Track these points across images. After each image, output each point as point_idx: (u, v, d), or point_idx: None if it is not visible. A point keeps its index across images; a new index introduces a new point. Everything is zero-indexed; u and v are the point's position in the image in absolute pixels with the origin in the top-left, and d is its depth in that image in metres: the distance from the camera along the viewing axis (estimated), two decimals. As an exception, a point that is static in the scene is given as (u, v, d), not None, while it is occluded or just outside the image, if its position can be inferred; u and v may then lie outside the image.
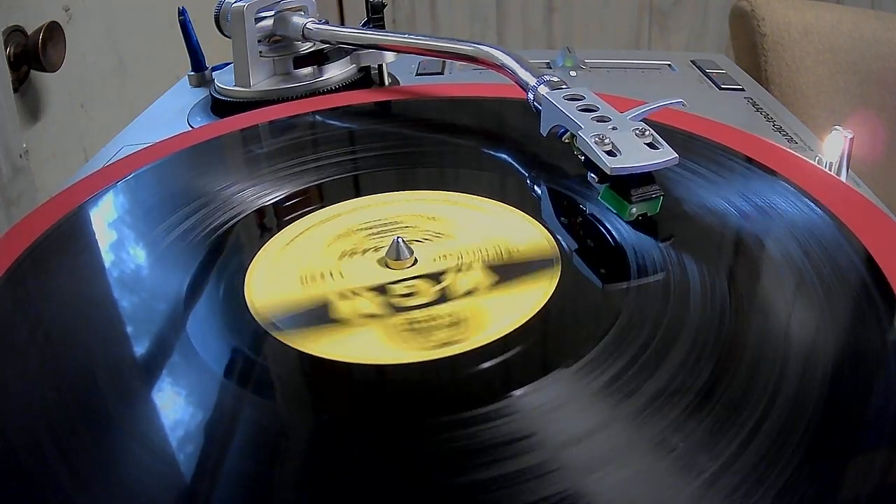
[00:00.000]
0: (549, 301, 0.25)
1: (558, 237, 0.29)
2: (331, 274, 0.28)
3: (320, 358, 0.24)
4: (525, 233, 0.29)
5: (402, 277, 0.27)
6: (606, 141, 0.29)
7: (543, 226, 0.30)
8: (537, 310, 0.25)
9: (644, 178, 0.29)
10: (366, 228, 0.30)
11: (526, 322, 0.24)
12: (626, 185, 0.29)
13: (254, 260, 0.29)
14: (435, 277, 0.27)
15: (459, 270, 0.27)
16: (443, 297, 0.26)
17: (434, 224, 0.30)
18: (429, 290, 0.26)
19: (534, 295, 0.26)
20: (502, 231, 0.30)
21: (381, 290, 0.27)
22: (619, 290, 0.26)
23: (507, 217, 0.31)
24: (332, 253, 0.29)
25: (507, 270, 0.27)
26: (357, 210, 0.32)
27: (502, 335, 0.24)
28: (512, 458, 0.19)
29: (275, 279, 0.28)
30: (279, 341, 0.24)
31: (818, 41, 0.70)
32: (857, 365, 0.22)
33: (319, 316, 0.25)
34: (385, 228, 0.30)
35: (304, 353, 0.24)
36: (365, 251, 0.29)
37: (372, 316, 0.25)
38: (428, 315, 0.25)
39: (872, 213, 0.29)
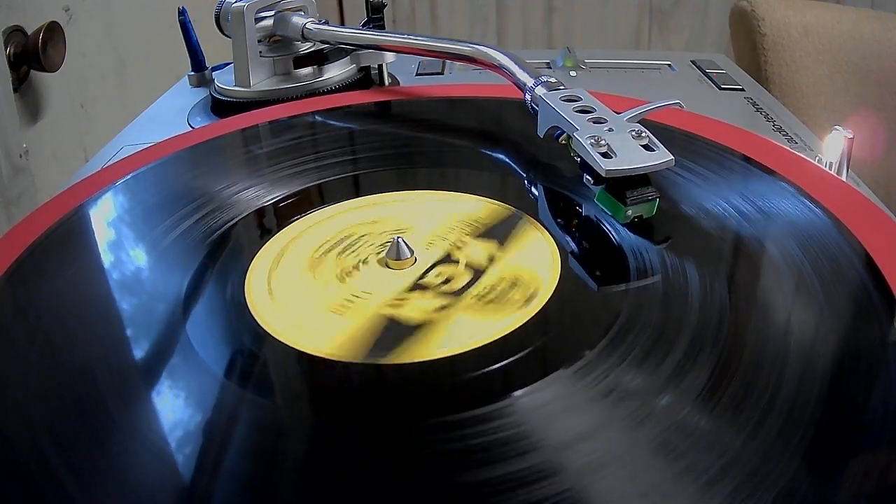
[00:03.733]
0: (548, 302, 0.25)
1: (563, 247, 0.29)
2: (356, 296, 0.27)
3: (320, 358, 0.24)
4: (476, 205, 0.31)
5: (422, 272, 0.27)
6: (602, 143, 0.29)
7: (490, 197, 0.32)
8: (536, 311, 0.25)
9: (640, 180, 0.29)
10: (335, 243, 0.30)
11: (525, 323, 0.24)
12: (621, 187, 0.29)
13: (254, 260, 0.29)
14: (448, 261, 0.28)
15: (459, 248, 0.28)
16: (479, 270, 0.27)
17: (383, 225, 0.31)
18: (459, 271, 0.27)
19: (545, 245, 0.28)
20: (455, 209, 0.31)
21: (420, 287, 0.27)
22: (619, 291, 0.26)
23: (451, 198, 0.32)
24: (333, 268, 0.29)
25: (493, 232, 0.29)
26: (349, 211, 0.32)
27: (501, 336, 0.24)
28: (511, 459, 0.19)
29: (307, 320, 0.26)
30: (279, 341, 0.24)
31: (818, 41, 0.70)
32: (857, 365, 0.22)
33: (397, 333, 0.24)
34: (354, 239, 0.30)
35: (303, 352, 0.24)
36: (364, 260, 0.29)
37: (444, 307, 0.25)
38: (485, 286, 0.26)
39: (872, 213, 0.29)
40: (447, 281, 0.27)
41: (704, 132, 0.36)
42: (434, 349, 0.24)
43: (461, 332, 0.24)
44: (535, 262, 0.27)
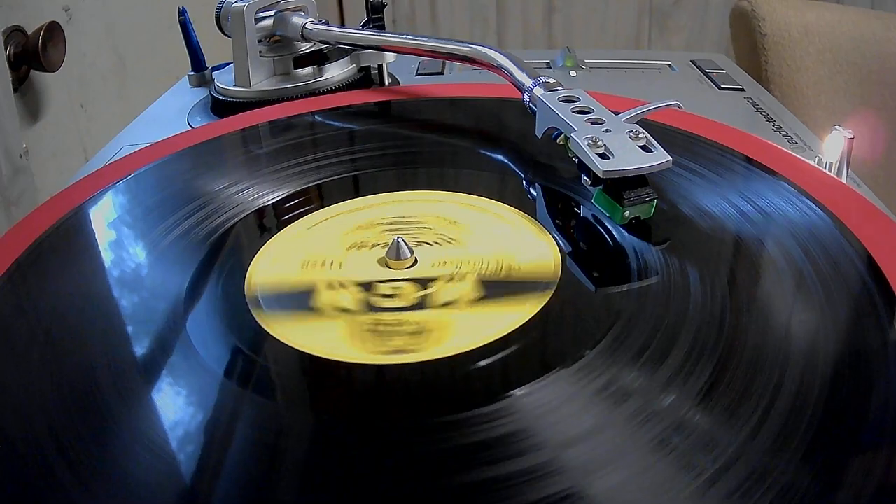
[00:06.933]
0: (548, 302, 0.25)
1: (562, 248, 0.29)
2: (331, 263, 0.28)
3: (320, 358, 0.24)
4: (536, 250, 0.28)
5: (392, 278, 0.27)
6: (599, 143, 0.29)
7: (559, 247, 0.29)
8: (536, 311, 0.25)
9: (638, 181, 0.29)
10: (384, 224, 0.31)
11: (525, 323, 0.24)
12: (618, 188, 0.29)
13: (253, 260, 0.29)
14: (423, 283, 0.27)
15: (451, 280, 0.27)
16: (420, 305, 0.26)
17: (452, 228, 0.30)
18: (411, 295, 0.26)
19: (507, 317, 0.25)
20: (513, 246, 0.29)
21: (366, 286, 0.27)
22: (619, 292, 0.26)
23: (525, 231, 0.30)
24: (342, 243, 0.29)
25: (497, 288, 0.26)
26: (360, 209, 0.32)
27: (501, 336, 0.24)
28: (511, 458, 0.19)
29: (276, 269, 0.28)
30: (278, 341, 0.24)
31: (818, 41, 0.70)
32: (858, 365, 0.22)
33: (301, 301, 0.26)
34: (407, 225, 0.30)
35: (303, 352, 0.24)
36: (374, 245, 0.29)
37: (344, 310, 0.26)
38: (396, 319, 0.25)
39: (872, 213, 0.29)
40: (389, 296, 0.26)
41: (703, 133, 0.36)
42: (436, 348, 0.24)
43: (321, 337, 0.24)
44: (475, 329, 0.25)
